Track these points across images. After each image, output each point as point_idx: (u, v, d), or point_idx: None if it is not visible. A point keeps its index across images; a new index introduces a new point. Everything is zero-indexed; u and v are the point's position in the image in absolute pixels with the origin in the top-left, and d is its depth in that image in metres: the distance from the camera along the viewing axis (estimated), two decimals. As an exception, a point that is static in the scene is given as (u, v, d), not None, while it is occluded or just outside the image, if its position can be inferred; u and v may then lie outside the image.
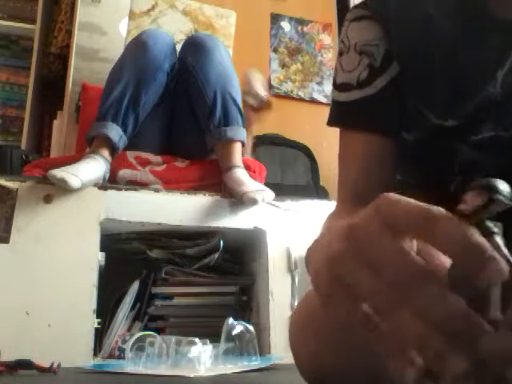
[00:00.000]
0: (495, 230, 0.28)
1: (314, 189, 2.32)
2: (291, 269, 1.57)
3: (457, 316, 0.25)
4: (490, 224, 0.28)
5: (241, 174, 1.63)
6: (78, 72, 2.08)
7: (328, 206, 1.65)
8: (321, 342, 0.46)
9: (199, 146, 1.73)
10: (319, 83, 2.66)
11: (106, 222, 1.47)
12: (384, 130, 0.64)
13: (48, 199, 1.43)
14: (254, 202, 1.54)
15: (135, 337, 1.29)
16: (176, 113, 1.80)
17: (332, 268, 0.29)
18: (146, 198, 1.53)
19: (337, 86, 0.69)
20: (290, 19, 2.72)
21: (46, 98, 2.34)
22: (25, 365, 1.11)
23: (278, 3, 2.71)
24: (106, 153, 1.58)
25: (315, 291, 0.31)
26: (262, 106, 1.89)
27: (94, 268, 1.42)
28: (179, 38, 1.91)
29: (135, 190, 1.54)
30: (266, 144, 2.37)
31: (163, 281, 1.58)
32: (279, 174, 2.31)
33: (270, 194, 1.59)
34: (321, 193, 2.31)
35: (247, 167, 1.72)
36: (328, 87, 2.61)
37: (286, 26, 2.71)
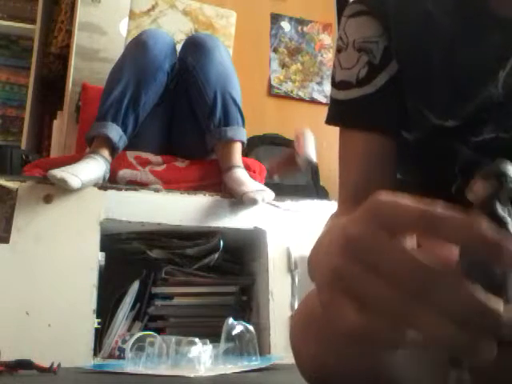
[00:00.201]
0: (508, 219, 0.27)
1: (313, 189, 2.32)
2: (291, 269, 1.57)
3: (477, 303, 0.25)
4: (501, 212, 0.27)
5: (241, 173, 1.63)
6: (77, 72, 2.08)
7: (328, 206, 1.65)
8: (321, 343, 0.46)
9: (199, 146, 1.73)
10: (319, 83, 2.65)
11: (106, 222, 1.47)
12: (384, 129, 0.63)
13: (48, 199, 1.43)
14: (254, 201, 1.54)
15: (135, 337, 1.29)
16: (176, 113, 1.80)
17: (335, 284, 0.29)
18: (146, 198, 1.53)
19: (336, 84, 0.68)
20: (290, 19, 2.72)
21: (46, 98, 2.34)
22: (25, 365, 1.11)
23: (277, 3, 2.71)
24: (106, 153, 1.58)
25: (321, 307, 0.30)
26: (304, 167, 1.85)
27: (94, 268, 1.42)
28: (179, 38, 1.91)
29: (135, 190, 1.54)
30: (266, 144, 2.37)
31: (163, 281, 1.58)
32: (279, 174, 2.30)
33: (269, 194, 1.59)
34: (321, 193, 2.31)
35: (247, 167, 1.72)
36: (328, 87, 2.60)
37: (285, 26, 2.71)
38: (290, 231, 1.61)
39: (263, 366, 1.27)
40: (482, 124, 0.58)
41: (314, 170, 2.39)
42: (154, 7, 1.96)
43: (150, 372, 1.16)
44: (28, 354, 1.15)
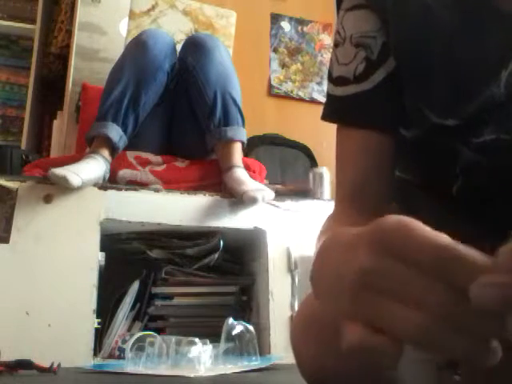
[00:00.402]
0: None
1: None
2: (291, 269, 1.57)
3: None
4: None
5: (241, 173, 1.63)
6: (77, 72, 2.08)
7: (328, 206, 1.65)
8: (321, 344, 0.46)
9: (199, 146, 1.73)
10: (319, 83, 2.65)
11: (106, 222, 1.47)
12: (381, 127, 0.62)
13: (48, 199, 1.43)
14: (254, 200, 1.54)
15: (135, 337, 1.29)
16: (176, 113, 1.80)
17: (355, 315, 0.29)
18: (146, 198, 1.53)
19: (333, 80, 0.66)
20: (290, 19, 2.72)
21: (46, 98, 2.34)
22: (25, 365, 1.11)
23: (277, 3, 2.71)
24: (106, 153, 1.58)
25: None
26: None
27: (94, 268, 1.42)
28: (179, 38, 1.91)
29: (135, 190, 1.54)
30: (266, 144, 2.37)
31: (163, 281, 1.58)
32: (279, 174, 2.30)
33: (269, 193, 1.59)
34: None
35: (247, 167, 1.72)
36: (328, 87, 2.60)
37: (286, 26, 2.71)
38: (290, 231, 1.61)
39: (263, 365, 1.27)
40: (483, 125, 0.56)
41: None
42: (154, 7, 1.96)
43: (150, 372, 1.16)
44: (28, 354, 1.15)
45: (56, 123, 2.13)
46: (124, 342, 1.43)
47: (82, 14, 2.12)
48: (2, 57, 2.38)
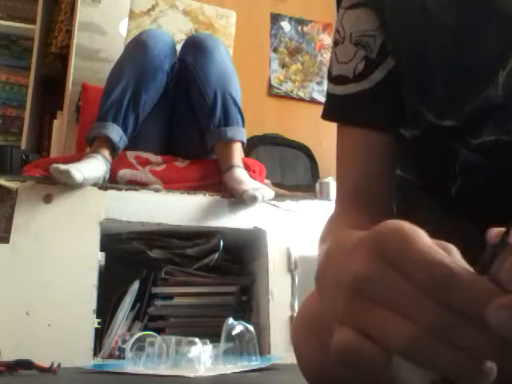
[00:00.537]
0: None
1: (313, 189, 2.32)
2: (291, 269, 1.57)
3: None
4: None
5: (241, 173, 1.63)
6: (77, 72, 2.08)
7: (328, 207, 1.65)
8: (322, 344, 0.46)
9: (199, 145, 1.73)
10: (319, 83, 2.65)
11: (106, 222, 1.47)
12: (382, 126, 0.62)
13: (48, 199, 1.43)
14: (254, 199, 1.54)
15: (135, 337, 1.29)
16: (176, 113, 1.80)
17: (347, 321, 0.29)
18: (146, 198, 1.53)
19: (332, 78, 0.66)
20: (290, 19, 2.72)
21: (46, 98, 2.34)
22: (25, 365, 1.11)
23: (278, 3, 2.71)
24: (106, 153, 1.58)
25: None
26: None
27: (94, 268, 1.42)
28: (179, 38, 1.91)
29: (135, 190, 1.54)
30: (266, 144, 2.37)
31: (163, 281, 1.58)
32: (279, 174, 2.31)
33: (269, 192, 1.59)
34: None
35: (247, 167, 1.72)
36: (328, 87, 2.60)
37: (286, 25, 2.71)
38: (290, 231, 1.61)
39: (263, 365, 1.27)
40: (481, 126, 0.56)
41: (314, 170, 2.40)
42: (154, 7, 1.96)
43: (150, 372, 1.16)
44: (28, 354, 1.15)
45: (56, 123, 2.13)
46: (124, 342, 1.43)
47: (82, 14, 2.12)
48: (2, 57, 2.38)
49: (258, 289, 1.63)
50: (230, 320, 1.36)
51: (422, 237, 0.27)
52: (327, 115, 0.68)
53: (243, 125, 1.71)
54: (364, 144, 0.62)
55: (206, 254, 1.61)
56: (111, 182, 1.59)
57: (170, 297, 1.59)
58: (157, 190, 1.57)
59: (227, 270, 1.69)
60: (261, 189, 1.58)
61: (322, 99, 2.71)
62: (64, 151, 2.02)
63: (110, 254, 1.50)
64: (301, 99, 2.62)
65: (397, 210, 0.66)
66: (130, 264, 1.63)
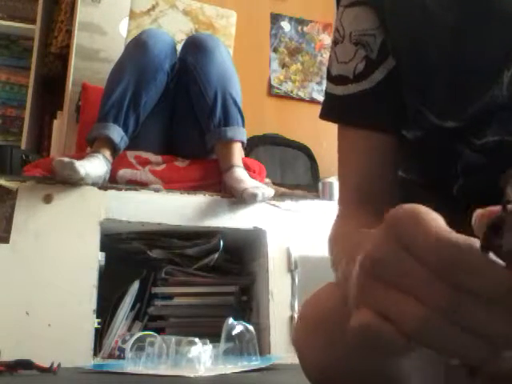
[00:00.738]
0: None
1: (314, 189, 2.32)
2: (291, 269, 1.57)
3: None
4: None
5: (240, 173, 1.63)
6: (77, 72, 2.08)
7: (328, 206, 1.65)
8: (327, 346, 0.46)
9: (199, 145, 1.73)
10: (319, 83, 2.65)
11: (106, 222, 1.47)
12: (383, 126, 0.61)
13: (48, 199, 1.43)
14: (254, 197, 1.54)
15: (135, 337, 1.29)
16: (176, 113, 1.80)
17: (358, 297, 0.29)
18: (146, 198, 1.53)
19: (332, 78, 0.65)
20: (290, 19, 2.72)
21: (46, 98, 2.34)
22: (25, 365, 1.11)
23: (278, 3, 2.71)
24: (107, 153, 1.58)
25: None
26: None
27: (94, 268, 1.42)
28: (180, 38, 1.91)
29: (135, 190, 1.54)
30: (266, 144, 2.37)
31: (163, 281, 1.58)
32: (279, 174, 2.30)
33: (269, 191, 1.59)
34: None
35: (247, 167, 1.72)
36: (328, 87, 2.60)
37: (286, 25, 2.71)
38: (290, 231, 1.61)
39: (263, 365, 1.27)
40: (485, 126, 0.56)
41: (314, 170, 2.40)
42: (154, 7, 1.96)
43: (150, 372, 1.16)
44: (28, 354, 1.15)
45: (56, 123, 2.13)
46: (124, 342, 1.43)
47: (82, 14, 2.12)
48: (2, 57, 2.38)
49: (258, 289, 1.63)
50: (230, 320, 1.36)
51: (436, 220, 0.27)
52: (326, 115, 0.67)
53: (243, 125, 1.71)
54: (366, 145, 0.62)
55: (205, 254, 1.61)
56: (111, 181, 1.59)
57: (169, 297, 1.59)
58: (157, 190, 1.57)
59: (227, 270, 1.69)
60: (261, 187, 1.58)
61: (322, 99, 2.70)
62: (64, 151, 2.02)
63: (110, 253, 1.50)
64: (301, 99, 2.62)
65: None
66: (130, 264, 1.63)
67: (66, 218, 1.44)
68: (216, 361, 1.27)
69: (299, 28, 2.73)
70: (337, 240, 0.57)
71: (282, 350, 1.47)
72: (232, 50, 1.98)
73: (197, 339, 1.26)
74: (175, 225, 1.55)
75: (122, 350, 1.42)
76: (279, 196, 1.68)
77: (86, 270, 1.41)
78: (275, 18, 2.70)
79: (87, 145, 1.69)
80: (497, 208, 0.27)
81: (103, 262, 1.46)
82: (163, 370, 1.19)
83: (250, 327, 1.38)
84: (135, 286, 1.56)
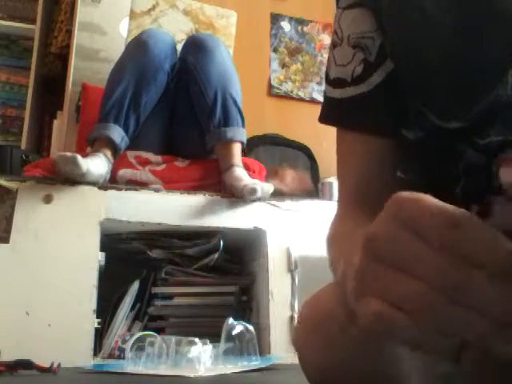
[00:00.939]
0: None
1: (314, 189, 2.32)
2: (291, 269, 1.57)
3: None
4: None
5: (240, 172, 1.64)
6: (77, 72, 2.08)
7: (328, 206, 1.65)
8: (328, 346, 0.46)
9: (199, 145, 1.73)
10: (319, 83, 2.65)
11: (106, 222, 1.47)
12: (381, 129, 0.61)
13: (48, 199, 1.43)
14: (254, 191, 1.54)
15: (135, 337, 1.29)
16: (176, 113, 1.80)
17: (359, 283, 0.29)
18: (146, 198, 1.53)
19: (330, 81, 0.65)
20: (290, 19, 2.72)
21: (46, 98, 2.34)
22: (25, 365, 1.11)
23: (278, 3, 2.71)
24: (108, 153, 1.58)
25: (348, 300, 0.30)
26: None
27: (94, 268, 1.42)
28: (180, 38, 1.91)
29: (135, 190, 1.54)
30: (266, 144, 2.37)
31: (163, 281, 1.58)
32: (279, 174, 2.30)
33: (268, 186, 1.59)
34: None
35: (247, 167, 1.72)
36: (328, 87, 2.60)
37: (285, 25, 2.71)
38: (290, 231, 1.61)
39: (263, 365, 1.27)
40: (489, 126, 0.55)
41: (314, 170, 2.40)
42: (154, 7, 1.96)
43: (150, 372, 1.16)
44: (28, 354, 1.15)
45: (56, 123, 2.13)
46: (124, 342, 1.43)
47: (82, 14, 2.12)
48: (2, 57, 2.38)
49: (258, 289, 1.63)
50: (230, 320, 1.36)
51: (438, 201, 0.28)
52: (324, 118, 0.67)
53: (243, 125, 1.72)
54: (363, 148, 0.62)
55: (205, 254, 1.61)
56: (111, 181, 1.59)
57: (169, 297, 1.59)
58: (157, 190, 1.57)
59: (227, 270, 1.69)
60: (260, 183, 1.59)
61: (322, 99, 2.71)
62: (64, 151, 2.01)
63: (110, 253, 1.50)
64: (301, 99, 2.62)
65: None
66: (130, 264, 1.63)
67: (65, 217, 1.44)
68: (216, 361, 1.27)
69: (299, 28, 2.73)
70: (334, 240, 0.57)
71: (281, 350, 1.47)
72: (232, 49, 1.98)
73: (197, 339, 1.26)
74: (175, 225, 1.55)
75: (122, 350, 1.42)
76: (279, 196, 1.68)
77: (85, 269, 1.41)
78: (275, 18, 2.70)
79: (87, 145, 1.70)
80: None
81: (103, 262, 1.46)
82: (163, 369, 1.19)
83: (250, 327, 1.38)
84: (135, 286, 1.56)
